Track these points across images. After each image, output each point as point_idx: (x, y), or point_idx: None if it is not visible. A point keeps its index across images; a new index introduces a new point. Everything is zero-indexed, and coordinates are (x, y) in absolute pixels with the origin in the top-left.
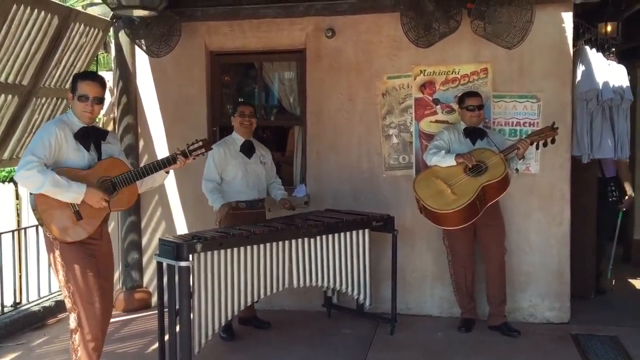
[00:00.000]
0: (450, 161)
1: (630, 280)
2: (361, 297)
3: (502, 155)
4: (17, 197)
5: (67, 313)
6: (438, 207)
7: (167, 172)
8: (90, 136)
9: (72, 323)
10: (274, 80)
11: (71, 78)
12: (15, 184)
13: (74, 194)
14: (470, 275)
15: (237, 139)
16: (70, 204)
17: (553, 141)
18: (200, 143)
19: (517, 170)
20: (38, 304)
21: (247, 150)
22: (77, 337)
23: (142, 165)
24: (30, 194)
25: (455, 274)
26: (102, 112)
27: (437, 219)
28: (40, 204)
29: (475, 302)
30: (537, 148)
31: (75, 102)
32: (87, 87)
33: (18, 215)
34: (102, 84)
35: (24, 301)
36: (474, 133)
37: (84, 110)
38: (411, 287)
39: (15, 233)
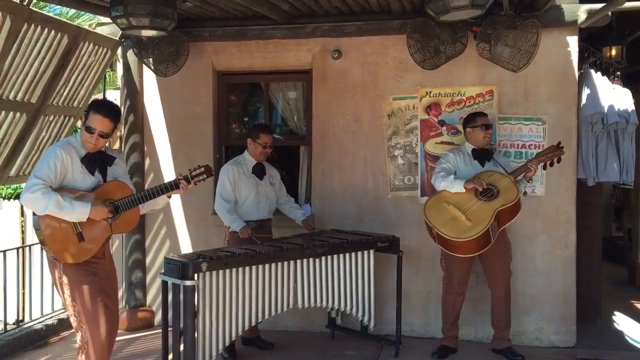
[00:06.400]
0: (459, 187)
1: (636, 304)
2: (365, 318)
3: (512, 178)
4: (22, 214)
5: (73, 331)
6: (454, 235)
7: (169, 197)
8: (96, 161)
9: (79, 342)
10: (279, 100)
11: (89, 102)
12: None
13: (78, 214)
14: (460, 303)
15: (249, 160)
16: (73, 226)
17: (559, 160)
18: (202, 169)
19: (525, 193)
20: (41, 322)
21: (259, 172)
22: (83, 356)
23: (146, 186)
24: (34, 214)
25: (445, 297)
26: None
27: (452, 247)
28: (43, 225)
29: (457, 329)
30: (544, 168)
31: (83, 129)
32: (96, 122)
33: (22, 232)
34: (114, 119)
35: (26, 319)
36: (482, 154)
37: (87, 141)
38: (416, 308)
39: (20, 250)
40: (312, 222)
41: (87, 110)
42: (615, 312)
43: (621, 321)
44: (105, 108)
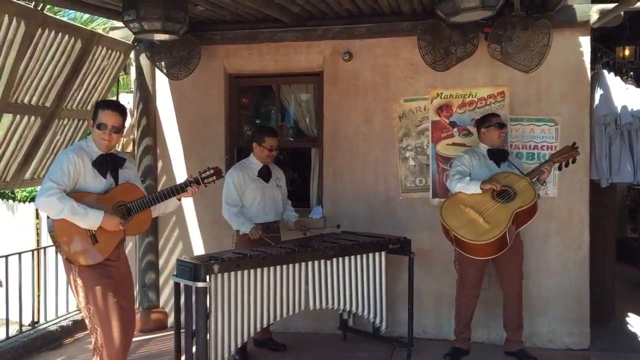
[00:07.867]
0: (475, 189)
1: None
2: (377, 320)
3: (528, 179)
4: (37, 217)
5: (87, 333)
6: (473, 238)
7: (179, 200)
8: (108, 163)
9: (94, 343)
10: (291, 102)
11: (93, 105)
12: None
13: (91, 221)
14: (474, 305)
15: (254, 163)
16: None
17: (574, 161)
18: (212, 171)
19: (538, 196)
20: (55, 324)
21: (265, 175)
22: (98, 358)
23: (159, 188)
24: (48, 217)
25: (458, 300)
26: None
27: (470, 249)
28: (57, 227)
29: (470, 331)
30: (559, 169)
31: (94, 130)
32: (106, 117)
33: (37, 234)
34: (122, 114)
35: (41, 320)
36: (498, 154)
37: (101, 138)
38: (428, 310)
39: (35, 252)
40: (305, 224)
41: (94, 111)
42: (630, 314)
43: (636, 323)
44: (111, 103)
